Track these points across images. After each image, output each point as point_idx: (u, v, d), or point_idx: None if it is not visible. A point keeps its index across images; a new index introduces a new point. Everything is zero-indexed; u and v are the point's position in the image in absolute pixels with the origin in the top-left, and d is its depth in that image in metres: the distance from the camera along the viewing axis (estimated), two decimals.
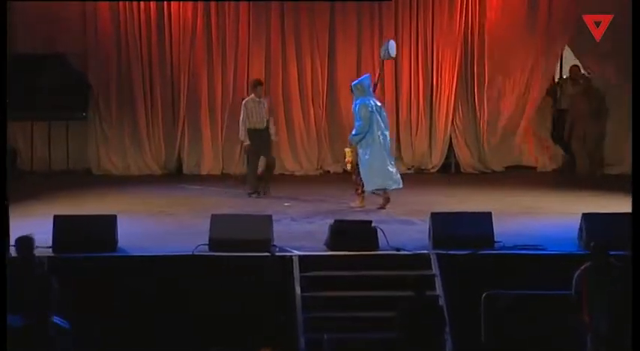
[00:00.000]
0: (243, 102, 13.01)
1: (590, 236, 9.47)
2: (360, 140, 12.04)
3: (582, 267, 8.18)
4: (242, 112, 12.88)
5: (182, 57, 15.28)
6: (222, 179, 14.94)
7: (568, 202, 12.49)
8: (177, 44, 15.27)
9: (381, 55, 12.91)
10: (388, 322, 8.91)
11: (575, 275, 8.15)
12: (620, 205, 11.63)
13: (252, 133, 12.77)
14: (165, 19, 15.23)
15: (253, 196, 12.67)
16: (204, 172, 15.42)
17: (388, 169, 12.06)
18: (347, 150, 12.31)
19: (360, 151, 12.10)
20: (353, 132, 12.15)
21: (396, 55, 12.97)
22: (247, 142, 12.80)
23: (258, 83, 13.04)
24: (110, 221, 9.77)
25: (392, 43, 12.78)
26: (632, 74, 8.93)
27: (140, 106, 15.30)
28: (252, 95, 12.89)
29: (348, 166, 12.32)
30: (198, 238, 9.67)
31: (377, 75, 13.19)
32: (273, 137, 13.07)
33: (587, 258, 8.34)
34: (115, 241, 9.69)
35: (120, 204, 12.15)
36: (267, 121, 12.88)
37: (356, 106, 12.12)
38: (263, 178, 12.97)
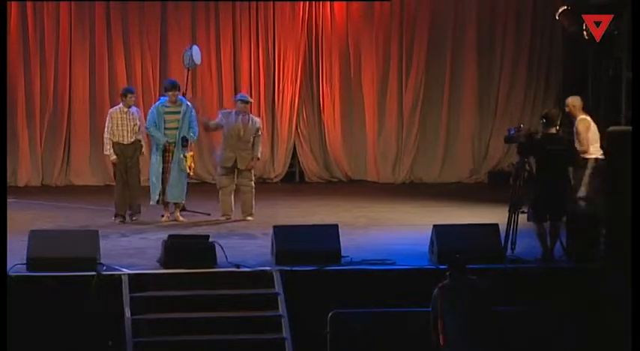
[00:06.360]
0: (109, 112, 12.36)
1: (441, 248, 9.71)
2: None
3: (440, 284, 8.30)
4: (107, 123, 12.21)
5: None
6: (43, 191, 14.70)
7: (417, 213, 12.80)
8: None
9: (185, 63, 12.66)
10: (228, 346, 9.00)
11: (434, 292, 8.27)
12: (470, 215, 12.08)
13: (117, 147, 12.17)
14: None
15: (117, 220, 12.11)
16: (21, 184, 15.15)
17: None
18: (190, 154, 12.05)
19: (187, 157, 12.08)
20: (193, 134, 12.08)
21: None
22: (113, 158, 12.21)
23: (126, 91, 12.42)
24: None
25: (196, 50, 12.67)
26: (631, 74, 9.28)
27: None
28: (121, 105, 12.26)
29: (191, 173, 12.14)
30: (15, 257, 9.45)
31: (185, 85, 12.71)
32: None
33: (444, 275, 8.48)
34: None
35: None
36: (138, 135, 12.18)
37: (190, 108, 12.10)
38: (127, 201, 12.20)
